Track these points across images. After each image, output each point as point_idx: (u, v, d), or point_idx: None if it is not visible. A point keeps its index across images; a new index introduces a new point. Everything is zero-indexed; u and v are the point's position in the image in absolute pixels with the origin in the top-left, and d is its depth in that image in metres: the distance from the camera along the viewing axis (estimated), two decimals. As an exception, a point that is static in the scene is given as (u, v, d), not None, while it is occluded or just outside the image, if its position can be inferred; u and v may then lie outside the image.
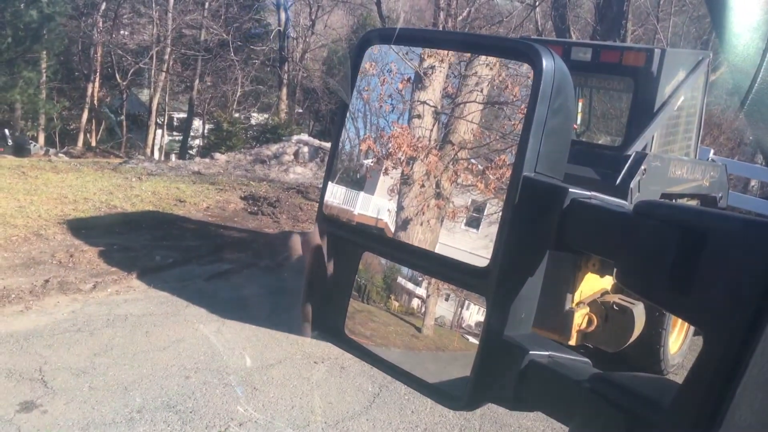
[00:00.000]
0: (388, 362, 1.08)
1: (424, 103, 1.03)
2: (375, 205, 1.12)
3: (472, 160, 0.97)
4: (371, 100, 1.09)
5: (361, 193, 1.14)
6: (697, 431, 0.58)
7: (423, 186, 1.01)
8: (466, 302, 1.05)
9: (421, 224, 1.02)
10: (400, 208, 1.05)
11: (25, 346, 6.45)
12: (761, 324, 0.54)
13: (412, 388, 1.04)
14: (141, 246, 10.04)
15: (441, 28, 28.91)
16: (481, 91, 0.97)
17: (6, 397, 5.48)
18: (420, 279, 1.11)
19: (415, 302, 1.13)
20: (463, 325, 1.05)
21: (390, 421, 5.67)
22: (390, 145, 1.06)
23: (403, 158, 1.04)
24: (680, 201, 7.51)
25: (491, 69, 0.95)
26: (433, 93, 1.02)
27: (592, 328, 6.41)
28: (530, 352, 0.86)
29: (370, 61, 1.10)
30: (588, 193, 0.85)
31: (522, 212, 0.87)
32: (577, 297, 6.30)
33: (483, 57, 0.97)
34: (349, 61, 1.15)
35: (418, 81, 1.04)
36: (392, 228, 1.06)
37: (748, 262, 0.59)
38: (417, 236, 1.03)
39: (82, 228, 10.51)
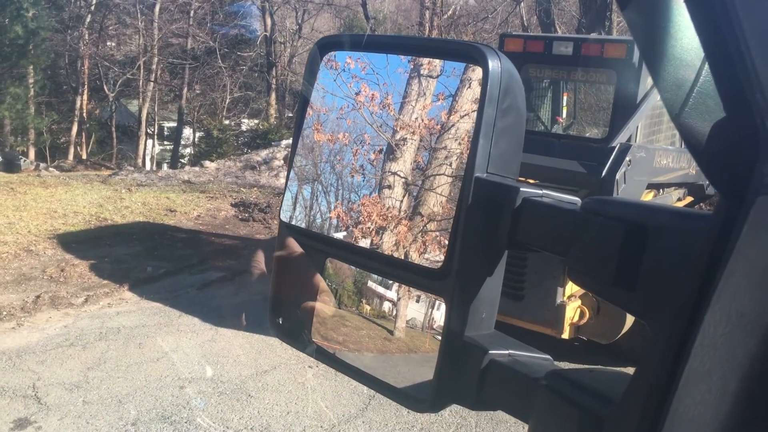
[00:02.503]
0: (355, 367, 1.08)
1: (395, 174, 1.04)
2: None
3: (437, 233, 0.98)
4: (343, 174, 1.11)
5: None
6: (644, 424, 0.58)
7: (392, 256, 1.02)
8: (437, 303, 1.05)
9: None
10: None
11: (17, 363, 6.43)
12: (699, 316, 0.54)
13: (379, 393, 1.04)
14: (132, 257, 10.02)
15: (427, 27, 28.96)
16: (450, 165, 0.98)
17: (-1, 415, 5.47)
18: (390, 282, 1.11)
19: (387, 305, 1.12)
20: (435, 326, 1.05)
21: (386, 423, 5.67)
22: (360, 214, 1.07)
23: (372, 228, 1.04)
24: (667, 190, 7.54)
25: (460, 144, 0.96)
26: (404, 164, 1.03)
27: (585, 320, 6.42)
28: (490, 352, 0.86)
29: (328, 71, 1.11)
30: (540, 191, 0.85)
31: (475, 213, 0.87)
32: (568, 290, 6.31)
33: (452, 131, 0.98)
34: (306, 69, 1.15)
35: (390, 152, 1.05)
36: None
37: (683, 254, 0.59)
38: None
39: (72, 242, 10.48)
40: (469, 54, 0.91)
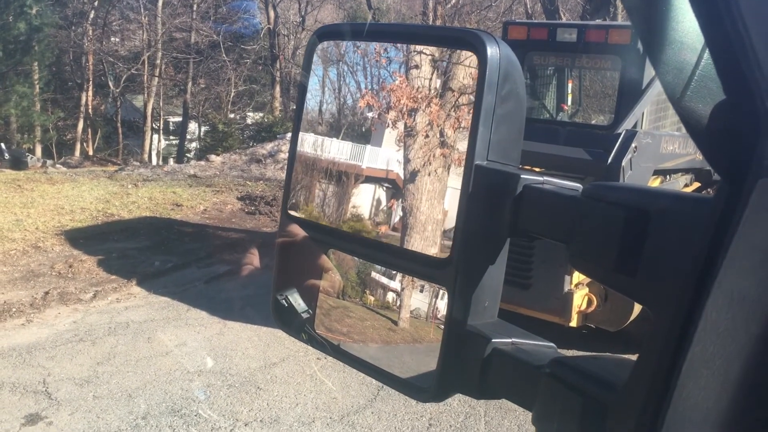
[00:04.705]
0: (357, 357, 1.07)
1: (420, 52, 1.02)
2: (384, 158, 1.11)
3: (470, 106, 0.95)
4: (368, 53, 1.09)
5: (368, 146, 1.14)
6: (648, 410, 0.58)
7: (427, 136, 1.00)
8: (441, 293, 1.04)
9: (429, 175, 1.01)
10: (406, 161, 1.04)
11: (27, 359, 6.46)
12: (701, 301, 0.54)
13: (383, 383, 1.03)
14: (139, 252, 10.05)
15: (431, 16, 28.86)
16: None
17: (11, 411, 5.49)
18: (394, 273, 1.10)
19: (390, 296, 1.12)
20: (439, 316, 1.04)
21: (395, 413, 5.68)
22: (390, 98, 1.05)
23: (404, 110, 1.03)
24: (673, 176, 7.50)
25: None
26: None
27: (593, 308, 6.40)
28: (493, 340, 0.86)
29: (324, 56, 1.11)
30: (541, 178, 0.84)
31: (476, 201, 0.86)
32: (575, 278, 6.30)
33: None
34: (303, 60, 1.15)
35: None
36: (402, 180, 1.04)
37: (684, 238, 0.59)
38: (426, 187, 1.01)
39: (80, 238, 10.52)
40: (467, 40, 0.90)
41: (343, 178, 1.15)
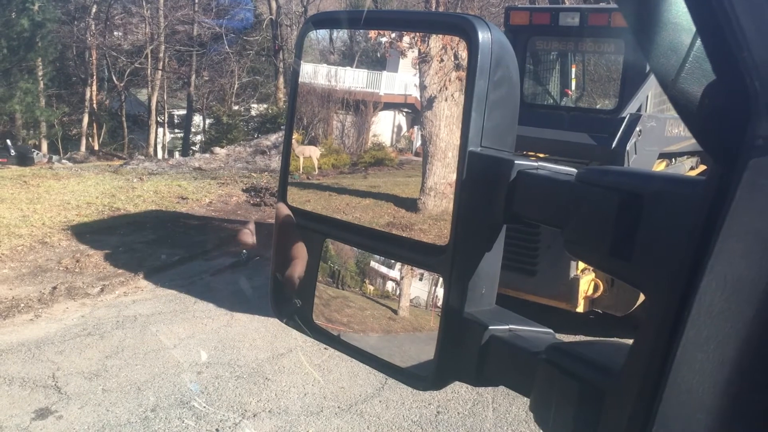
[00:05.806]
0: (357, 347, 1.07)
1: None
2: (401, 82, 1.10)
3: None
4: None
5: (384, 72, 1.13)
6: (644, 395, 0.58)
7: (442, 60, 0.98)
8: (440, 281, 1.04)
9: (446, 100, 0.99)
10: (423, 87, 1.02)
11: (36, 354, 6.50)
12: (695, 284, 0.53)
13: (382, 372, 1.03)
14: (146, 246, 10.09)
15: (434, 3, 28.72)
16: None
17: (21, 406, 5.53)
18: (393, 261, 1.10)
19: (390, 285, 1.11)
20: (438, 304, 1.03)
21: (403, 401, 5.70)
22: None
23: (416, 36, 1.01)
24: (679, 159, 7.47)
25: None
26: None
27: (599, 293, 6.39)
28: (490, 327, 0.85)
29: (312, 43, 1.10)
30: (535, 163, 0.83)
31: (471, 188, 0.86)
32: (581, 264, 6.28)
33: None
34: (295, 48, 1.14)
35: None
36: (419, 105, 1.03)
37: (677, 221, 0.58)
38: (443, 113, 0.99)
39: (86, 232, 10.56)
40: (458, 26, 0.88)
41: (361, 107, 1.13)
